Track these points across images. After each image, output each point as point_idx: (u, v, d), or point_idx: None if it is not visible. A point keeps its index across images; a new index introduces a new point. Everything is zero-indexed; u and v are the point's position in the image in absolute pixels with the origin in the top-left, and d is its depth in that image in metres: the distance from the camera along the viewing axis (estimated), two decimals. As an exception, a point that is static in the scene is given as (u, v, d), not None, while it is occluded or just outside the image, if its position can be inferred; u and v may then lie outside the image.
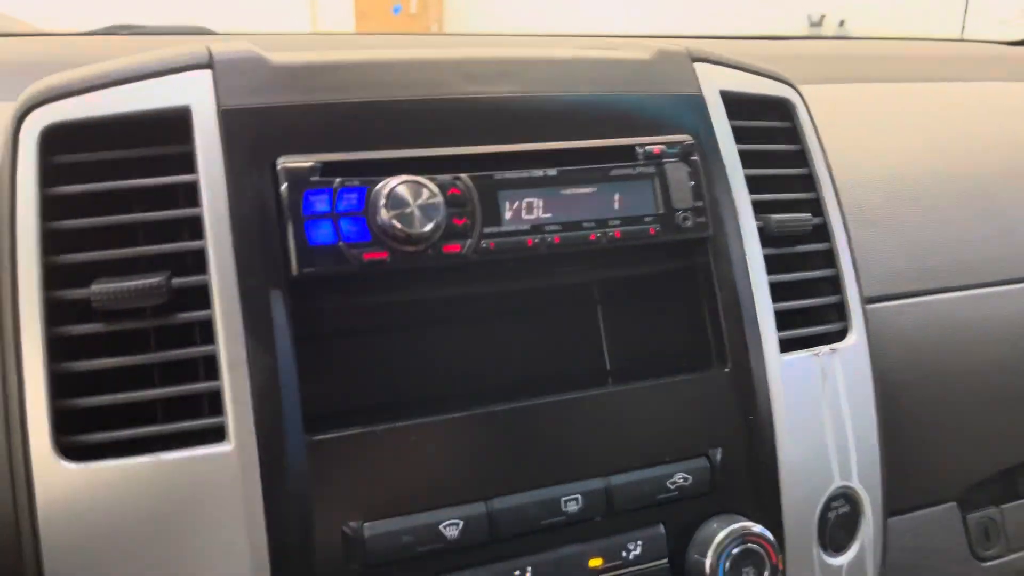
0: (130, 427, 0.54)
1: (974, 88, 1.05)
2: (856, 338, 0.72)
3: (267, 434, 0.54)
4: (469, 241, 0.59)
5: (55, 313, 0.54)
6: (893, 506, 0.86)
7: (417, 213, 0.57)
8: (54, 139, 0.56)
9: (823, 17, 6.99)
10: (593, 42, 0.79)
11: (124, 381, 0.54)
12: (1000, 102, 1.04)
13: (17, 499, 0.52)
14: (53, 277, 0.54)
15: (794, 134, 0.76)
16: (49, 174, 0.55)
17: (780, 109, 0.76)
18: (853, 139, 0.87)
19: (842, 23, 7.04)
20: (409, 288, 0.62)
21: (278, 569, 0.54)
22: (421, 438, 0.58)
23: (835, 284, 0.74)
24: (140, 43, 1.03)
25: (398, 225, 0.56)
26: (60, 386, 0.53)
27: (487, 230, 0.60)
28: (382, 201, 0.57)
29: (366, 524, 0.56)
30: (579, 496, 0.61)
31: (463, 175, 0.60)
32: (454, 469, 0.59)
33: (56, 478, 0.52)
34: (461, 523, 0.58)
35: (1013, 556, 0.95)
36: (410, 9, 6.66)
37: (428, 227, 0.57)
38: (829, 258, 0.74)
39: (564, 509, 0.60)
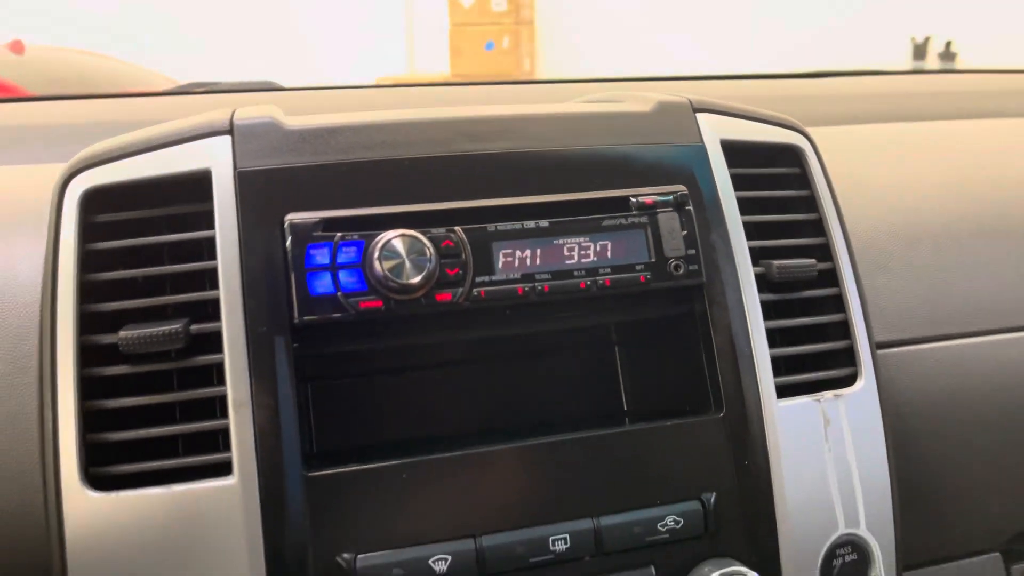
0: (150, 460, 0.60)
1: (995, 124, 1.02)
2: (864, 384, 0.72)
3: (267, 469, 0.59)
4: (461, 290, 0.63)
5: (87, 355, 0.61)
6: (924, 558, 0.84)
7: (408, 265, 0.61)
8: (92, 200, 0.63)
9: (928, 39, 6.76)
10: (610, 93, 0.82)
11: (146, 416, 0.61)
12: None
13: (49, 522, 0.58)
14: (87, 323, 0.61)
15: (804, 179, 0.76)
16: (87, 231, 0.62)
17: (789, 155, 0.77)
18: (869, 180, 0.87)
19: (948, 45, 6.78)
20: (405, 334, 0.66)
21: None
22: (414, 476, 0.62)
23: (844, 329, 0.74)
24: (210, 101, 1.13)
25: (391, 275, 0.61)
26: (89, 422, 0.60)
27: (479, 279, 0.64)
28: (376, 253, 0.61)
29: (359, 557, 0.60)
30: (567, 536, 0.63)
31: (457, 228, 0.64)
32: (445, 506, 0.62)
33: (82, 506, 0.58)
34: (450, 558, 0.61)
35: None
36: (502, 45, 6.82)
37: (418, 278, 0.61)
38: (838, 303, 0.74)
39: (552, 548, 0.63)
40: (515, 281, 0.64)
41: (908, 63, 6.69)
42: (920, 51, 6.70)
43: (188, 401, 0.61)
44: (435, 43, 7.24)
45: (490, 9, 6.83)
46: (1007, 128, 1.02)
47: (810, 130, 0.79)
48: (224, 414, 0.61)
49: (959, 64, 6.64)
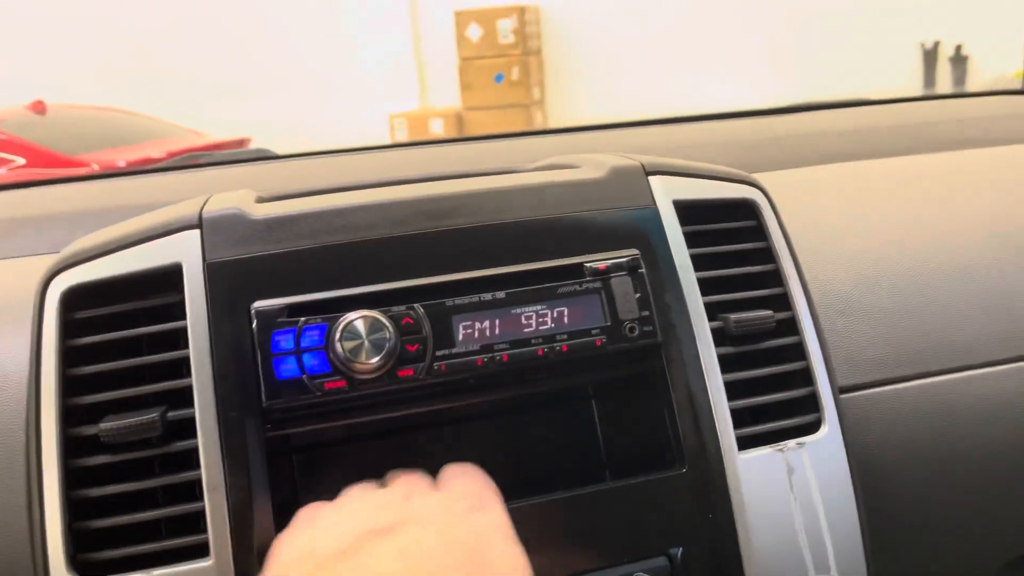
0: (132, 544, 0.63)
1: (962, 156, 1.03)
2: (828, 430, 0.74)
3: (241, 549, 0.62)
4: (422, 365, 0.66)
5: (71, 447, 0.64)
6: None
7: (367, 345, 0.64)
8: (72, 298, 0.67)
9: (937, 44, 6.71)
10: (570, 156, 0.85)
11: (129, 502, 0.64)
12: (988, 168, 1.02)
13: None
14: (70, 416, 0.65)
15: (759, 231, 0.78)
16: (68, 328, 0.66)
17: (743, 209, 0.79)
18: (826, 223, 0.88)
19: (959, 49, 6.72)
20: (371, 409, 0.69)
21: None
22: None
23: (806, 376, 0.75)
24: (200, 177, 1.18)
25: (351, 356, 0.64)
26: (75, 510, 0.63)
27: (439, 353, 0.66)
28: (338, 336, 0.64)
29: None
30: None
31: (416, 305, 0.67)
32: None
33: (68, 591, 0.61)
34: None
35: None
36: (511, 76, 6.90)
37: (376, 358, 0.64)
38: (799, 351, 0.76)
39: None
40: (474, 353, 0.67)
41: (919, 70, 6.66)
42: (930, 57, 6.66)
43: (168, 487, 0.65)
44: (446, 77, 7.35)
45: (497, 42, 6.94)
46: (967, 160, 1.04)
47: (768, 175, 0.81)
48: (202, 497, 0.64)
49: (971, 67, 6.58)
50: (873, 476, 0.78)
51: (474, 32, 6.79)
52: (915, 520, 0.82)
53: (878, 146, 1.05)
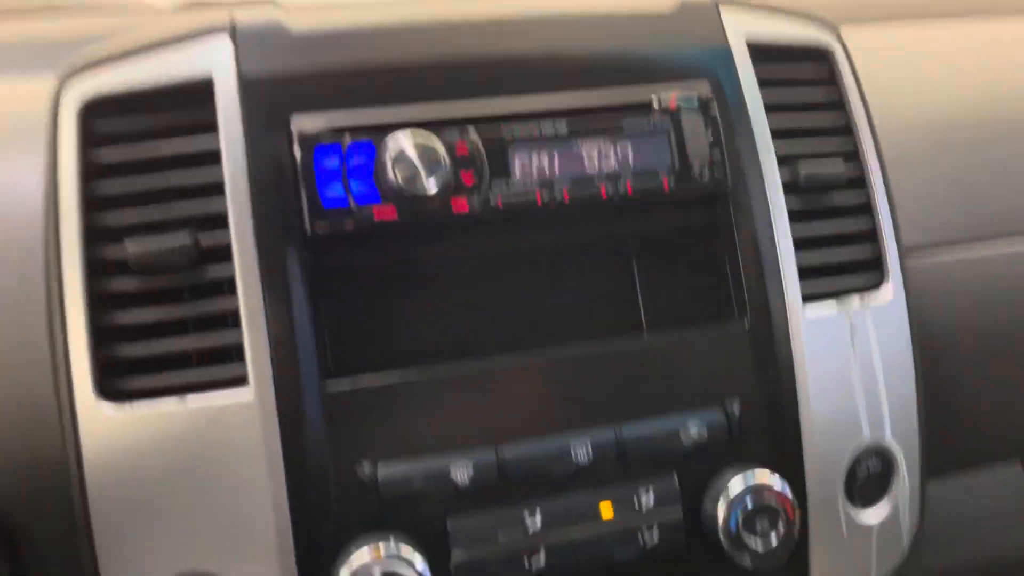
0: (163, 372, 0.58)
1: None
2: (892, 291, 0.70)
3: (284, 381, 0.58)
4: (477, 198, 0.61)
5: (95, 270, 0.59)
6: (948, 465, 0.84)
7: (423, 172, 0.59)
8: (92, 108, 0.60)
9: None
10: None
11: (158, 332, 0.59)
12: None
13: (65, 438, 0.57)
14: (92, 237, 0.59)
15: (833, 81, 0.73)
16: (88, 140, 0.60)
17: (818, 56, 0.73)
18: (900, 82, 0.83)
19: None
20: (421, 245, 0.64)
21: (297, 508, 0.58)
22: (433, 387, 0.61)
23: (872, 236, 0.71)
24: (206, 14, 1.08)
25: (404, 185, 0.58)
26: (101, 337, 0.58)
27: (495, 187, 0.61)
28: (389, 161, 0.59)
29: (379, 468, 0.59)
30: (589, 444, 0.62)
31: (471, 131, 0.61)
32: (464, 417, 0.61)
33: (97, 419, 0.57)
34: (471, 469, 0.60)
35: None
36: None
37: (434, 187, 0.59)
38: (866, 209, 0.71)
39: (574, 457, 0.62)
40: (533, 189, 0.62)
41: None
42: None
43: (200, 316, 0.60)
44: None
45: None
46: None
47: (842, 28, 0.75)
48: (237, 326, 0.59)
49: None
50: (930, 345, 0.75)
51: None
52: (963, 398, 0.80)
53: (968, 4, 0.98)
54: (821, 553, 0.67)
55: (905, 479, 0.71)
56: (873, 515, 0.70)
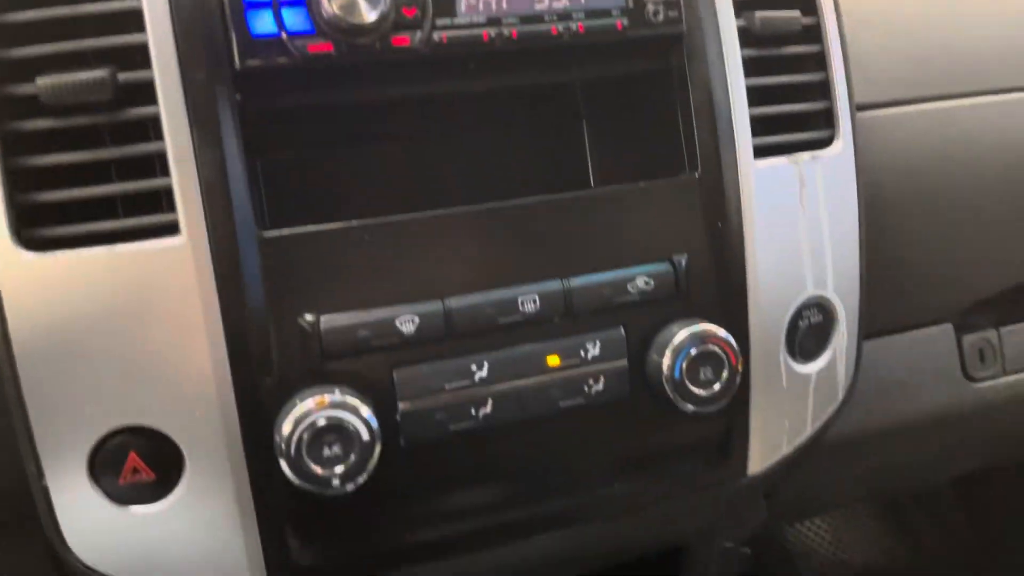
0: (88, 222, 0.55)
1: None
2: (842, 146, 0.69)
3: (218, 228, 0.55)
4: (419, 33, 0.57)
5: (5, 108, 0.54)
6: (884, 325, 0.86)
7: (361, 1, 0.55)
8: None
9: None
10: None
11: (79, 177, 0.55)
12: None
13: None
14: (0, 73, 0.54)
15: None
16: None
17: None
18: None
19: None
20: (359, 85, 0.60)
21: (237, 360, 0.56)
22: (375, 237, 0.59)
23: (824, 89, 0.70)
24: None
25: (341, 14, 0.54)
26: (17, 181, 0.54)
27: (440, 22, 0.57)
28: (323, -12, 0.54)
29: (322, 318, 0.57)
30: (536, 296, 0.61)
31: None
32: (409, 268, 0.60)
33: (17, 268, 0.54)
34: (417, 319, 0.59)
35: (1009, 378, 0.95)
36: None
37: (373, 16, 0.55)
38: (820, 61, 0.70)
39: (521, 309, 0.61)
40: (480, 25, 0.58)
41: None
42: None
43: (124, 160, 0.56)
44: None
45: None
46: None
47: None
48: (165, 172, 0.55)
49: None
50: (874, 202, 0.75)
51: None
52: (903, 253, 0.81)
53: None
54: (761, 401, 0.69)
55: (844, 334, 0.72)
56: (811, 367, 0.72)
